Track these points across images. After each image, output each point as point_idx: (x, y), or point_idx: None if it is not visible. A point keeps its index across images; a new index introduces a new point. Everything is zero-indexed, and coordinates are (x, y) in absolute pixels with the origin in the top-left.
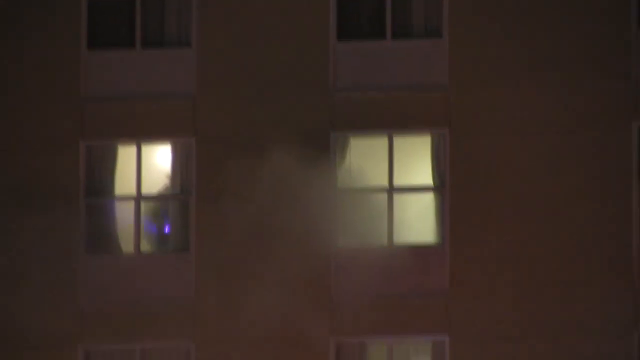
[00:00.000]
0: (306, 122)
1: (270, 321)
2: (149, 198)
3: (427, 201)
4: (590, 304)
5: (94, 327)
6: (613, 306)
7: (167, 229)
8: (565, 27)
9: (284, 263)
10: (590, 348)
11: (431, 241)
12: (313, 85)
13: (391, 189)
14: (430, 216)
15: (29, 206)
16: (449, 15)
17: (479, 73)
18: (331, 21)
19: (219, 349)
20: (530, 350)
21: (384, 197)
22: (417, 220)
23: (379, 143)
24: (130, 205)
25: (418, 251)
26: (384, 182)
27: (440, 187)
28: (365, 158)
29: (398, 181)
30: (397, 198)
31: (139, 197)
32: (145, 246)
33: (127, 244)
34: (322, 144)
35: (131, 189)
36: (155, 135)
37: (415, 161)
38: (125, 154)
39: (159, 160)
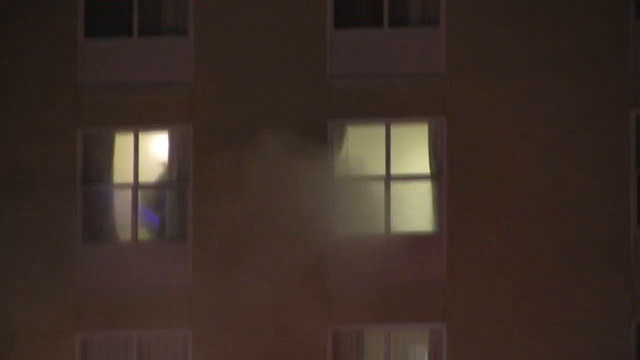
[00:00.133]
0: (303, 110)
1: (267, 309)
2: (146, 186)
3: (425, 190)
4: (587, 292)
5: (90, 316)
6: (610, 295)
7: (156, 220)
8: (564, 16)
9: (281, 252)
10: (588, 337)
11: (428, 230)
12: (310, 73)
13: (388, 178)
14: (427, 205)
15: (26, 194)
16: (447, 3)
17: (476, 61)
18: (328, 9)
19: (215, 337)
20: (528, 338)
21: (381, 185)
22: (415, 209)
23: (376, 132)
24: (128, 194)
25: (415, 240)
26: (381, 170)
27: (437, 175)
28: (362, 147)
29: (395, 170)
30: (395, 187)
31: (136, 185)
32: (142, 234)
33: (124, 233)
34: (319, 132)
35: (128, 177)
36: (152, 123)
37: (413, 150)
38: (122, 142)
39: (156, 149)
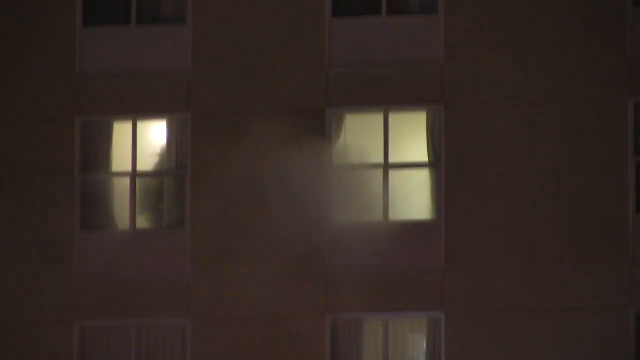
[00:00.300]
0: (302, 98)
1: (265, 297)
2: (145, 174)
3: (423, 178)
4: (586, 279)
5: (88, 304)
6: (608, 282)
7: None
8: (563, 4)
9: (280, 239)
10: (586, 323)
11: (427, 217)
12: (308, 61)
13: (387, 166)
14: (425, 193)
15: (24, 182)
16: None
17: (474, 49)
18: None
19: (213, 325)
20: (527, 326)
21: (379, 173)
22: (413, 197)
23: (374, 120)
24: (126, 182)
25: (414, 227)
26: (380, 158)
27: (435, 163)
28: (360, 135)
29: (394, 158)
30: (393, 175)
31: (134, 174)
32: (140, 222)
33: (122, 221)
34: (317, 120)
35: (127, 166)
36: (150, 111)
37: (411, 138)
38: (121, 130)
39: (154, 137)
